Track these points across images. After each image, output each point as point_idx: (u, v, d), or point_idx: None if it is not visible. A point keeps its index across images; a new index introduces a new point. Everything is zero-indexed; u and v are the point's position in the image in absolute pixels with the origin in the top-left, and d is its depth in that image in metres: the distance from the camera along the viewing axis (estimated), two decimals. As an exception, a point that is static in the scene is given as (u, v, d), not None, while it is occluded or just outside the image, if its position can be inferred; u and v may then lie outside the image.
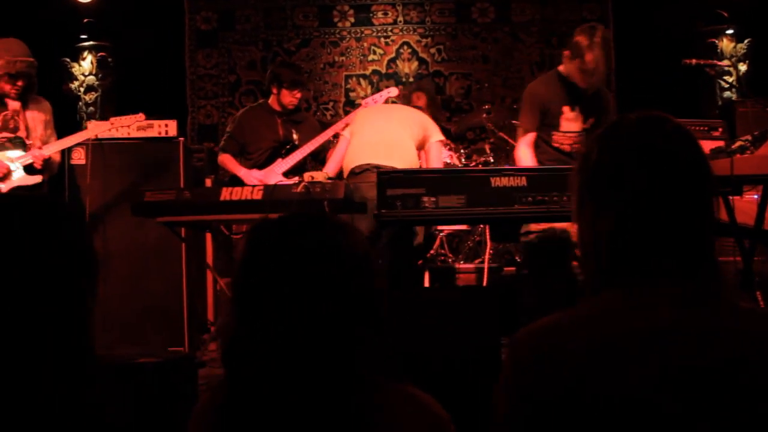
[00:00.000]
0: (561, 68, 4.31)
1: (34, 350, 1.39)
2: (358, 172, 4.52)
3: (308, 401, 1.22)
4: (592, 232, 1.26)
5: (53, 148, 4.50)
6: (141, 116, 4.77)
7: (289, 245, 1.29)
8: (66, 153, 5.13)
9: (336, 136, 5.10)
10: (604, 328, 1.17)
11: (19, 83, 4.36)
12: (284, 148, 5.03)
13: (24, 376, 1.37)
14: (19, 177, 4.37)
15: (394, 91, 5.44)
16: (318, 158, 5.37)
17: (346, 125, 4.98)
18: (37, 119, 4.49)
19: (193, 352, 4.83)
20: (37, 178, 4.41)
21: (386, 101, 5.40)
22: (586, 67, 4.07)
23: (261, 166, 5.03)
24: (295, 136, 5.07)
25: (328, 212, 3.51)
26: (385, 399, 1.27)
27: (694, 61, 4.26)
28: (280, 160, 4.99)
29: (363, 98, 7.15)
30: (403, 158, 4.56)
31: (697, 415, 1.11)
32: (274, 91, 5.17)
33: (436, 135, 4.78)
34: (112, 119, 4.75)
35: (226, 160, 5.13)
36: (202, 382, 3.80)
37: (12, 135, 4.41)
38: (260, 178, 4.86)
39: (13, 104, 4.44)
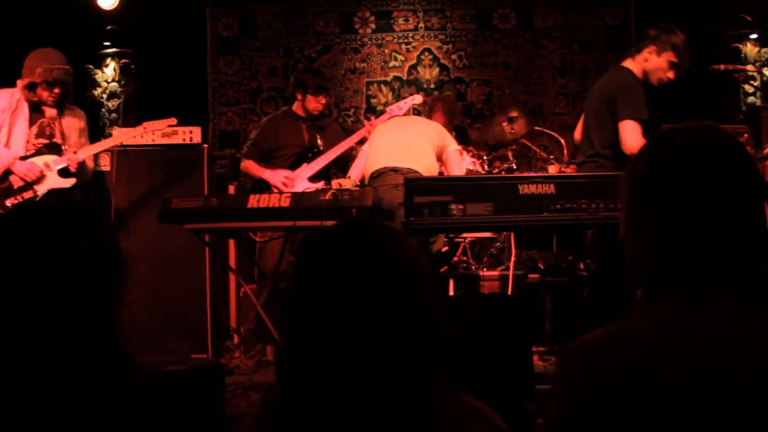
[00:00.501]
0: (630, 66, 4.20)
1: (61, 354, 1.41)
2: (376, 176, 4.55)
3: (368, 410, 1.21)
4: (645, 242, 1.25)
5: (87, 152, 4.58)
6: (173, 120, 4.81)
7: (345, 254, 1.28)
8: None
9: (361, 141, 5.11)
10: (659, 341, 1.15)
11: (56, 91, 4.44)
12: (310, 153, 5.03)
13: (50, 378, 1.39)
14: (53, 180, 4.41)
15: (418, 99, 5.45)
16: (339, 165, 5.37)
17: (369, 132, 4.99)
18: (72, 127, 4.57)
19: (216, 359, 4.83)
20: (71, 181, 4.47)
21: (410, 108, 5.41)
22: (682, 59, 4.16)
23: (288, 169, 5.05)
24: (319, 142, 5.08)
25: (379, 219, 3.51)
26: (446, 409, 1.25)
27: (722, 66, 4.24)
28: (305, 165, 5.01)
29: (384, 105, 7.18)
30: (421, 161, 4.57)
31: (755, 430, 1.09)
32: (299, 97, 5.19)
33: (452, 144, 4.84)
34: (145, 124, 4.79)
35: (249, 165, 5.16)
36: (230, 389, 3.80)
37: (48, 141, 4.47)
38: (286, 178, 4.86)
39: (50, 111, 4.53)
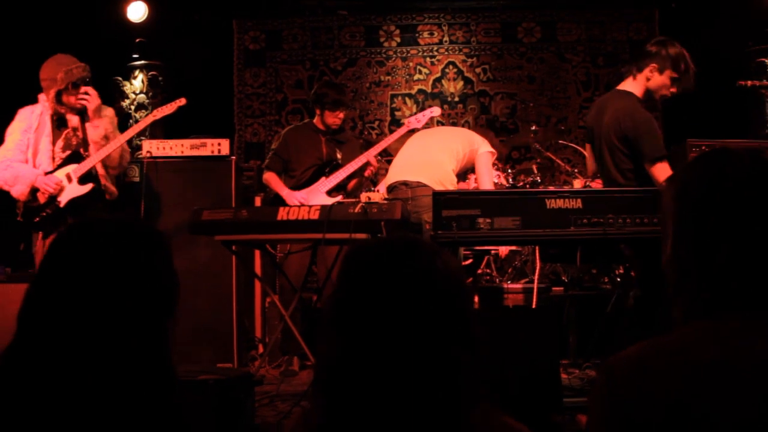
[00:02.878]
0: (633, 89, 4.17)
1: (124, 371, 1.45)
2: (390, 190, 4.64)
3: (409, 425, 1.23)
4: (695, 261, 1.27)
5: (103, 153, 4.47)
6: (182, 101, 4.85)
7: (388, 269, 1.30)
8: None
9: (383, 153, 5.15)
10: (704, 356, 1.17)
11: (82, 90, 4.41)
12: (328, 166, 5.08)
13: (114, 393, 1.44)
14: (73, 189, 4.41)
15: (437, 111, 5.48)
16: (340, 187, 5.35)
17: (366, 162, 5.04)
18: (96, 132, 4.48)
19: (243, 369, 4.87)
20: (87, 187, 4.42)
21: (428, 121, 5.45)
22: (683, 72, 4.10)
23: (304, 184, 5.09)
24: (338, 155, 5.12)
25: (419, 236, 3.54)
26: (485, 425, 1.28)
27: (749, 82, 4.24)
28: (324, 178, 5.06)
29: (408, 117, 7.22)
30: (432, 175, 4.60)
31: None
32: (318, 111, 5.26)
33: (484, 146, 4.81)
34: (155, 111, 4.79)
35: (271, 179, 5.22)
36: (257, 398, 3.84)
37: (72, 151, 4.49)
38: (302, 199, 4.91)
39: (73, 121, 4.50)
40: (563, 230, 3.53)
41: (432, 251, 1.36)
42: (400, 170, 4.67)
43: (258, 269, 5.50)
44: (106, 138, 4.45)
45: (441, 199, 3.61)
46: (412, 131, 6.95)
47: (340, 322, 1.33)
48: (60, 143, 4.49)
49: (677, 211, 1.31)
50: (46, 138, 4.46)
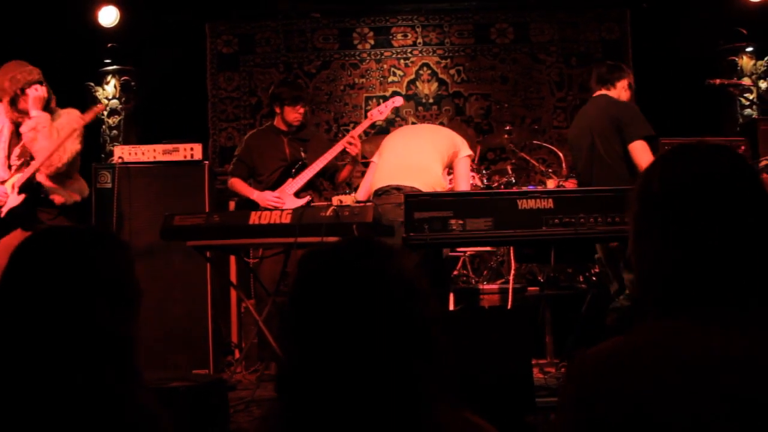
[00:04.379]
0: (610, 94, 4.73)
1: (83, 373, 1.46)
2: (380, 193, 4.53)
3: (368, 427, 1.23)
4: (656, 260, 1.27)
5: (39, 160, 4.31)
6: (100, 107, 4.92)
7: (343, 271, 1.30)
8: (93, 177, 5.20)
9: (344, 152, 5.07)
10: (667, 355, 1.18)
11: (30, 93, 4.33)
12: (293, 167, 5.04)
13: (77, 397, 1.45)
14: (13, 199, 4.32)
15: (399, 101, 5.39)
16: (327, 175, 5.33)
17: (349, 141, 4.96)
18: (26, 127, 4.36)
19: (218, 375, 4.85)
20: (20, 198, 4.30)
21: (391, 110, 5.43)
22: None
23: (272, 187, 5.04)
24: (303, 155, 5.07)
25: (378, 238, 3.53)
26: (448, 427, 1.28)
27: (717, 81, 4.31)
28: (290, 180, 5.01)
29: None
30: (426, 180, 4.55)
31: None
32: (277, 110, 5.23)
33: (464, 150, 4.79)
34: (80, 116, 4.53)
35: (237, 184, 5.17)
36: (232, 404, 3.82)
37: (26, 159, 4.40)
38: (275, 198, 4.88)
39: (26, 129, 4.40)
40: (535, 230, 3.54)
41: (387, 253, 1.35)
42: (390, 174, 4.59)
43: (233, 274, 5.48)
44: (35, 131, 4.31)
45: (413, 201, 3.61)
46: (386, 130, 6.99)
47: (294, 326, 1.33)
48: (17, 151, 4.42)
49: (637, 209, 1.32)
50: (2, 145, 4.41)
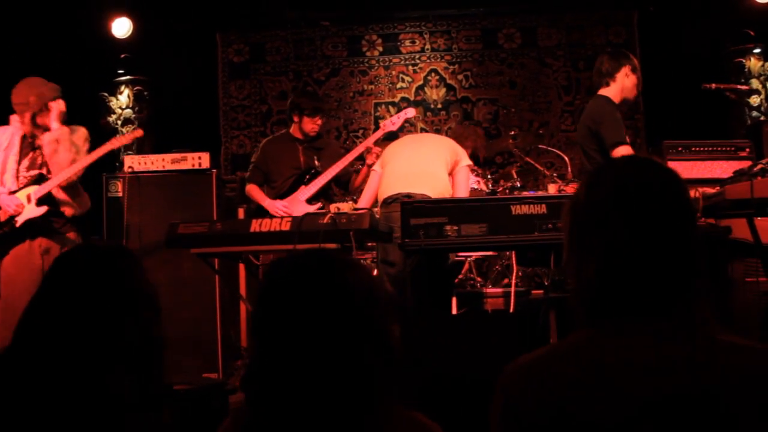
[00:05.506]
0: (605, 92, 4.61)
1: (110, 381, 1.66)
2: (390, 201, 4.58)
3: (322, 425, 1.32)
4: (580, 270, 1.34)
5: (63, 176, 4.46)
6: (139, 132, 4.97)
7: (300, 282, 1.41)
8: (104, 186, 5.32)
9: (360, 157, 5.18)
10: (587, 361, 1.25)
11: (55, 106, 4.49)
12: (307, 175, 5.14)
13: (102, 401, 1.64)
14: (29, 210, 4.43)
15: (411, 112, 5.49)
16: (340, 183, 5.45)
17: (366, 149, 5.06)
18: (48, 138, 4.48)
19: (226, 379, 4.94)
20: (42, 209, 4.43)
21: (404, 122, 5.49)
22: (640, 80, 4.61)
23: (285, 194, 5.14)
24: (316, 163, 5.17)
25: (336, 249, 3.62)
26: (393, 424, 1.36)
27: (713, 85, 4.32)
28: (303, 187, 5.10)
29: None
30: (435, 187, 4.61)
31: None
32: (296, 119, 5.31)
33: (465, 160, 4.87)
34: (113, 139, 4.75)
35: (253, 191, 5.27)
36: (234, 408, 3.91)
37: (38, 172, 4.51)
38: (285, 208, 4.98)
39: (41, 141, 4.54)
40: (528, 236, 3.61)
41: (343, 264, 1.45)
42: (399, 182, 4.65)
43: (242, 280, 5.58)
44: (57, 143, 4.45)
45: (408, 207, 3.69)
46: (395, 136, 7.06)
47: (257, 328, 1.43)
48: (26, 163, 4.53)
49: (566, 221, 1.39)
50: (13, 157, 4.52)
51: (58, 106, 4.50)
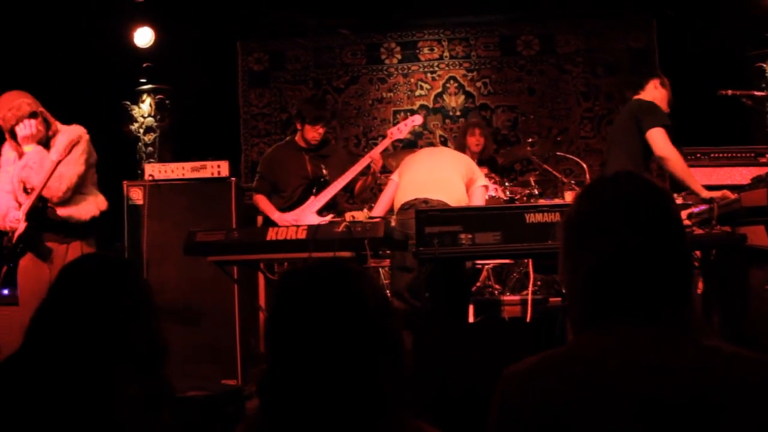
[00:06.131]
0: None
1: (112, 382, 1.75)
2: (407, 207, 4.60)
3: (339, 426, 1.36)
4: (572, 279, 1.38)
5: (36, 191, 4.30)
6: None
7: (315, 292, 1.44)
8: (125, 193, 5.39)
9: (369, 167, 5.16)
10: (580, 367, 1.28)
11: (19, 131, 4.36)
12: (315, 185, 5.13)
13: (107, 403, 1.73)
14: (21, 226, 4.33)
15: (418, 119, 5.45)
16: (348, 188, 5.37)
17: (371, 159, 5.03)
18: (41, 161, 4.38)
19: (245, 385, 4.98)
20: (22, 225, 4.31)
21: (411, 129, 5.49)
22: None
23: (295, 203, 5.15)
24: (324, 171, 5.14)
25: (348, 260, 3.64)
26: (403, 426, 1.39)
27: (729, 92, 4.32)
28: (313, 198, 5.09)
29: (411, 134, 7.32)
30: (452, 194, 4.63)
31: None
32: (299, 127, 5.31)
33: (481, 180, 4.89)
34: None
35: (260, 202, 5.29)
36: (248, 413, 3.95)
37: (26, 188, 4.42)
38: (294, 221, 4.93)
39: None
40: (542, 244, 3.61)
41: (355, 276, 1.48)
42: (417, 187, 4.69)
43: (261, 287, 5.62)
44: (28, 168, 4.33)
45: (423, 216, 3.71)
46: (414, 146, 7.09)
47: (271, 337, 1.46)
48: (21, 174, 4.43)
49: (561, 232, 1.43)
50: (6, 172, 4.47)
51: (23, 130, 4.34)
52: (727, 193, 4.25)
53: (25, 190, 4.40)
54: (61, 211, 4.40)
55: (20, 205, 4.40)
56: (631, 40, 7.54)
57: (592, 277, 1.35)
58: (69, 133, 4.45)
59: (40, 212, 4.37)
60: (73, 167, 4.38)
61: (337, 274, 1.48)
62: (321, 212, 5.01)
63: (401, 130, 5.23)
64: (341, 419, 1.37)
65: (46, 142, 4.43)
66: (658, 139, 4.57)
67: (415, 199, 4.59)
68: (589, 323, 1.35)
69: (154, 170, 5.41)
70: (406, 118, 7.45)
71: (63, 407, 1.68)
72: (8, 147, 4.51)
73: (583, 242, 1.38)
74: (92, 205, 4.52)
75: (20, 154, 4.43)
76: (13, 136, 4.40)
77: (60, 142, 4.41)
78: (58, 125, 4.51)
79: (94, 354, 1.74)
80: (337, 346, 1.39)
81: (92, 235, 4.53)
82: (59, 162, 4.29)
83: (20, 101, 4.35)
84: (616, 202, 1.38)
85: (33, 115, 4.37)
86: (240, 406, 3.52)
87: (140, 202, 5.39)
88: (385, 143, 5.27)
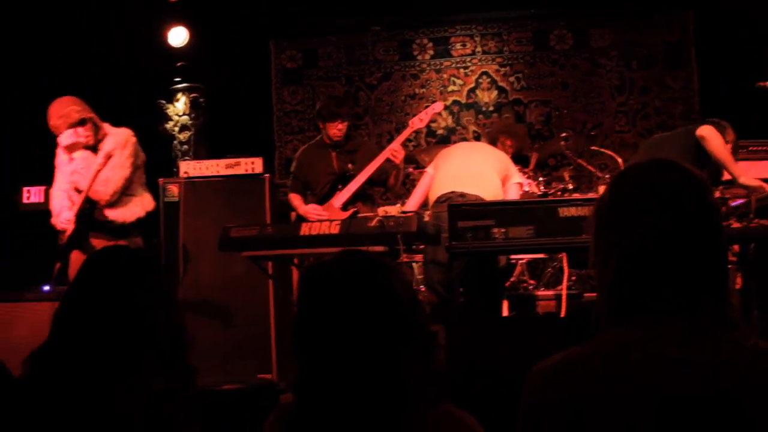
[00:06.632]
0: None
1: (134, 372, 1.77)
2: (443, 200, 4.59)
3: (363, 418, 1.38)
4: (604, 272, 1.35)
5: (83, 193, 4.54)
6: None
7: (339, 285, 1.45)
8: (161, 191, 5.47)
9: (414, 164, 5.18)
10: (609, 363, 1.25)
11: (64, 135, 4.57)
12: (341, 181, 5.13)
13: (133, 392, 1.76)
14: (71, 228, 4.56)
15: (438, 107, 5.34)
16: (377, 183, 5.34)
17: (392, 152, 5.01)
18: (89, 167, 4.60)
19: (280, 379, 5.02)
20: (70, 225, 4.53)
21: (431, 117, 5.43)
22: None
23: (323, 199, 5.16)
24: (350, 166, 5.14)
25: (373, 252, 3.64)
26: (427, 416, 1.40)
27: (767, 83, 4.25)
28: (338, 193, 5.10)
29: (444, 128, 7.33)
30: (488, 188, 4.63)
31: None
32: (320, 125, 5.34)
33: (516, 176, 4.89)
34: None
35: (293, 200, 5.32)
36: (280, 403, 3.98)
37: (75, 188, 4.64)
38: (319, 214, 4.96)
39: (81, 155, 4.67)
40: (575, 238, 3.59)
41: (389, 268, 1.49)
42: (454, 181, 4.69)
43: (295, 281, 5.66)
44: (77, 174, 4.56)
45: (456, 210, 3.72)
46: (447, 141, 7.08)
47: (301, 332, 1.47)
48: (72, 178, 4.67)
49: (593, 223, 1.40)
50: (61, 173, 4.68)
51: (68, 139, 4.56)
52: (765, 186, 4.18)
53: (77, 191, 4.58)
54: (109, 213, 4.59)
55: (73, 204, 4.60)
56: (666, 34, 7.44)
57: (626, 263, 1.31)
58: (117, 136, 4.64)
59: (88, 214, 4.56)
60: (120, 170, 4.56)
61: (369, 267, 1.48)
62: (345, 206, 5.03)
63: (422, 120, 5.17)
64: (369, 410, 1.38)
65: (94, 146, 4.60)
66: (704, 126, 4.59)
67: (452, 193, 4.60)
68: (621, 317, 1.31)
69: (190, 168, 5.47)
70: (438, 114, 7.51)
71: (89, 397, 1.71)
72: (61, 150, 4.68)
73: (616, 227, 1.34)
74: (138, 207, 4.69)
75: (71, 158, 4.63)
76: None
77: (107, 145, 4.59)
78: (107, 128, 4.68)
79: (117, 344, 1.76)
80: (365, 338, 1.39)
81: (137, 234, 4.67)
82: (102, 167, 4.48)
83: (69, 109, 4.52)
84: (653, 186, 1.33)
85: (82, 122, 4.54)
86: (274, 400, 3.54)
87: (176, 200, 5.46)
88: (406, 133, 5.22)
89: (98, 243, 4.48)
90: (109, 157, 4.51)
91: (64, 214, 4.56)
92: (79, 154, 4.59)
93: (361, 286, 1.44)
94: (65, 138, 4.56)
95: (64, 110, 4.51)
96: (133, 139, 4.66)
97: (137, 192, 4.69)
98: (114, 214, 4.58)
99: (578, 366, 1.28)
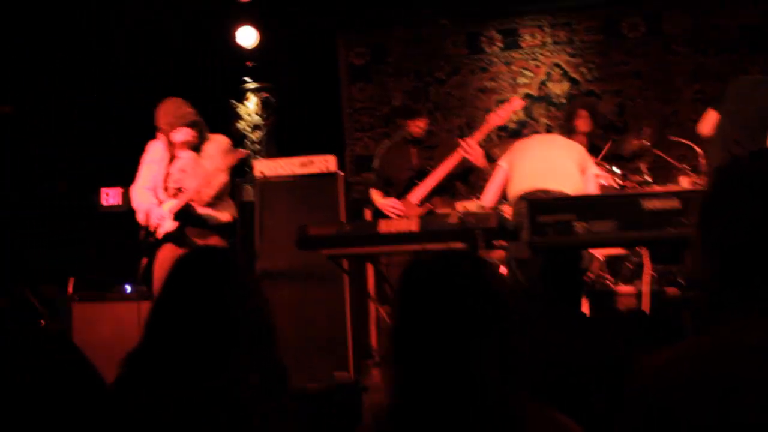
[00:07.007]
0: None
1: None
2: (522, 198, 4.54)
3: (462, 421, 1.35)
4: (708, 266, 1.30)
5: (189, 192, 4.76)
6: (243, 152, 5.10)
7: (441, 284, 1.44)
8: (237, 191, 5.54)
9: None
10: (720, 362, 1.21)
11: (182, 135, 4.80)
12: (418, 177, 5.16)
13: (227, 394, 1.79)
14: (168, 224, 4.77)
15: (518, 103, 5.30)
16: (461, 179, 5.33)
17: (466, 154, 4.97)
18: (194, 169, 4.84)
19: (357, 377, 5.03)
20: (174, 225, 4.75)
21: (510, 114, 5.35)
22: None
23: (401, 195, 5.21)
24: (430, 162, 5.18)
25: (472, 250, 3.62)
26: (530, 420, 1.38)
27: None
28: (415, 189, 5.14)
29: (515, 122, 7.23)
30: (569, 183, 4.58)
31: None
32: (401, 123, 5.43)
33: (592, 167, 4.83)
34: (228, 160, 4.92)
35: (373, 194, 5.45)
36: (366, 407, 3.98)
37: (177, 186, 4.84)
38: (394, 208, 5.05)
39: (183, 156, 4.88)
40: (660, 231, 3.50)
41: (482, 265, 1.47)
42: (535, 178, 4.65)
43: (371, 280, 5.66)
44: (183, 172, 4.80)
45: (536, 205, 3.66)
46: (519, 134, 6.99)
47: (399, 331, 1.46)
48: (176, 175, 4.86)
49: (699, 212, 1.36)
50: (162, 171, 4.85)
51: (180, 137, 4.78)
52: None
53: (179, 190, 4.79)
54: (201, 210, 4.79)
55: (159, 202, 4.80)
56: (743, 17, 7.19)
57: (736, 252, 1.26)
58: (218, 142, 4.91)
59: (184, 212, 4.77)
60: (221, 175, 4.80)
61: (461, 265, 1.47)
62: (422, 202, 5.03)
63: (502, 116, 5.12)
64: (468, 410, 1.36)
65: (196, 148, 4.84)
66: None
67: (535, 189, 4.55)
68: (727, 313, 1.26)
69: (264, 167, 5.52)
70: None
71: (187, 396, 1.74)
72: (160, 146, 4.84)
73: (715, 229, 1.30)
74: (231, 209, 4.95)
75: (172, 156, 4.83)
76: (169, 141, 4.80)
77: (210, 150, 4.84)
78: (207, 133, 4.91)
79: (211, 343, 1.81)
80: (461, 338, 1.38)
81: (227, 236, 4.82)
82: (211, 170, 4.73)
83: (187, 111, 4.79)
84: (750, 188, 1.28)
85: (194, 123, 4.80)
86: (357, 400, 3.55)
87: (251, 199, 5.52)
88: (484, 130, 5.17)
89: (195, 239, 4.71)
90: (212, 161, 4.75)
91: (155, 212, 4.75)
92: (185, 154, 4.82)
93: (468, 285, 1.43)
94: (180, 135, 4.77)
95: (180, 110, 4.76)
96: (231, 146, 4.94)
97: (225, 197, 4.92)
98: (206, 211, 4.80)
99: (695, 362, 1.23)
